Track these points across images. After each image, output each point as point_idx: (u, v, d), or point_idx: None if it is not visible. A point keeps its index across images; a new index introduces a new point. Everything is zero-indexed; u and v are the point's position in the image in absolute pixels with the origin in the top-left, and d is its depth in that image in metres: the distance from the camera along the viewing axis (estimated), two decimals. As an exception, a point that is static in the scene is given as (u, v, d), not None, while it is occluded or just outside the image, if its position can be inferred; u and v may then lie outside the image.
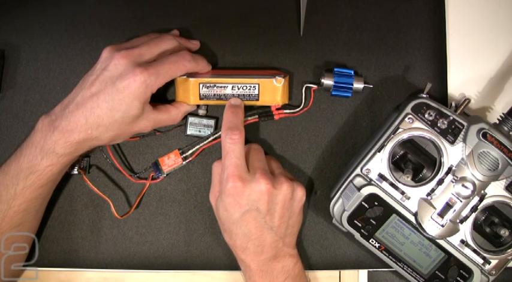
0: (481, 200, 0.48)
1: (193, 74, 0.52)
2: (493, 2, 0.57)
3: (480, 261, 0.49)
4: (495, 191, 0.48)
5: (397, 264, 0.50)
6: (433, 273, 0.49)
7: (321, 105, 0.56)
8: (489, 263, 0.48)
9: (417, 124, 0.49)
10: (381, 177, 0.49)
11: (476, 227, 0.50)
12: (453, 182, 0.48)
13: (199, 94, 0.52)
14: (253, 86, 0.51)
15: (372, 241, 0.50)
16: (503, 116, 0.49)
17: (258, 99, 0.52)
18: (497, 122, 0.49)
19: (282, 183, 0.47)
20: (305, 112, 0.55)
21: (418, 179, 0.49)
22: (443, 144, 0.48)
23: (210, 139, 0.53)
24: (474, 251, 0.48)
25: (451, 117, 0.48)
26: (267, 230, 0.47)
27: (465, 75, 0.56)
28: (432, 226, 0.47)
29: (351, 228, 0.49)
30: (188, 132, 0.54)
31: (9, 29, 0.56)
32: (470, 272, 0.49)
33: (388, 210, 0.49)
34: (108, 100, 0.46)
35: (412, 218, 0.48)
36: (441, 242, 0.49)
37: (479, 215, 0.50)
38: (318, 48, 0.56)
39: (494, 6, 0.57)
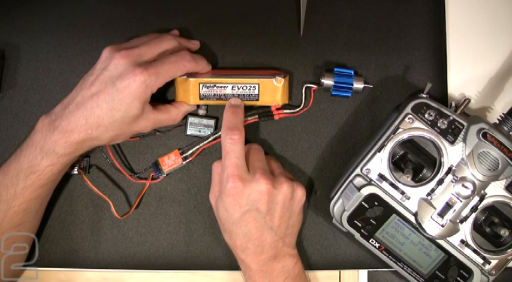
0: (481, 200, 0.48)
1: (193, 74, 0.52)
2: (493, 2, 0.57)
3: (480, 261, 0.49)
4: (495, 191, 0.48)
5: (397, 264, 0.50)
6: (433, 273, 0.49)
7: (321, 105, 0.56)
8: (489, 263, 0.48)
9: (417, 124, 0.49)
10: (381, 177, 0.49)
11: (476, 227, 0.50)
12: (453, 182, 0.48)
13: (199, 94, 0.52)
14: (253, 86, 0.51)
15: (372, 241, 0.50)
16: (503, 116, 0.49)
17: (258, 99, 0.52)
18: (497, 122, 0.49)
19: (282, 183, 0.47)
20: (305, 112, 0.55)
21: (418, 179, 0.49)
22: (443, 144, 0.48)
23: (210, 139, 0.53)
24: (474, 251, 0.48)
25: (451, 117, 0.48)
26: (267, 230, 0.47)
27: (465, 75, 0.56)
28: (432, 226, 0.47)
29: (351, 228, 0.49)
30: (188, 132, 0.54)
31: (9, 29, 0.56)
32: (470, 272, 0.49)
33: (388, 210, 0.49)
34: (108, 100, 0.46)
35: (412, 218, 0.48)
36: (441, 242, 0.49)
37: (479, 215, 0.50)
38: (318, 48, 0.56)
39: (494, 6, 0.57)
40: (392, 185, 0.49)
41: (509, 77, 0.56)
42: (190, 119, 0.54)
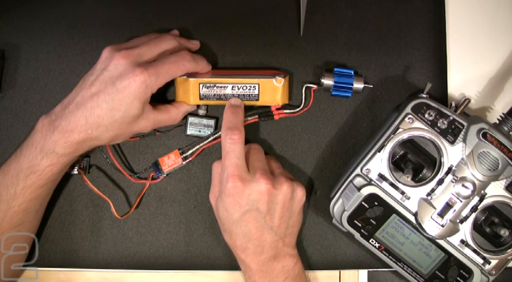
0: (481, 200, 0.48)
1: (193, 74, 0.52)
2: (493, 2, 0.57)
3: (480, 261, 0.49)
4: (495, 191, 0.48)
5: (397, 264, 0.50)
6: (433, 273, 0.49)
7: (321, 105, 0.56)
8: (489, 263, 0.48)
9: (417, 124, 0.49)
10: (381, 177, 0.49)
11: (476, 227, 0.50)
12: (453, 182, 0.48)
13: (199, 94, 0.52)
14: (253, 86, 0.51)
15: (372, 241, 0.50)
16: (503, 116, 0.49)
17: (258, 99, 0.52)
18: (497, 122, 0.49)
19: (282, 183, 0.47)
20: (305, 112, 0.55)
21: (418, 179, 0.49)
22: (443, 144, 0.48)
23: (210, 139, 0.53)
24: (474, 251, 0.48)
25: (451, 117, 0.48)
26: (267, 230, 0.47)
27: (465, 75, 0.56)
28: (432, 226, 0.47)
29: (351, 228, 0.49)
30: (188, 132, 0.54)
31: (9, 29, 0.56)
32: (470, 272, 0.49)
33: (388, 210, 0.49)
34: (108, 100, 0.46)
35: (412, 218, 0.48)
36: (441, 242, 0.49)
37: (479, 215, 0.50)
38: (318, 48, 0.56)
39: (494, 6, 0.57)
40: (392, 185, 0.49)
41: (509, 77, 0.56)
42: (190, 119, 0.54)
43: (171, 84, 0.53)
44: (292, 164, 0.55)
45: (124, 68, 0.46)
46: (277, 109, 0.54)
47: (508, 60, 0.56)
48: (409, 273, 0.50)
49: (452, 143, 0.48)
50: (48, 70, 0.56)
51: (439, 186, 0.48)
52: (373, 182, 0.49)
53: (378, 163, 0.49)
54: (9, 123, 0.55)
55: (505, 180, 0.48)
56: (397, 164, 0.50)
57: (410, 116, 0.49)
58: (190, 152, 0.54)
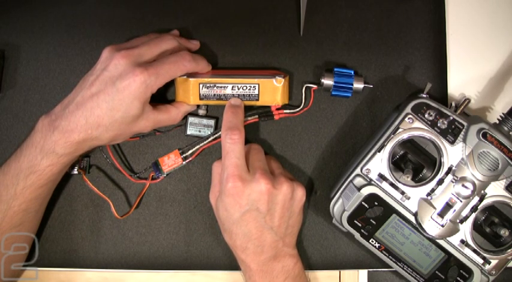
0: (481, 200, 0.48)
1: (193, 74, 0.52)
2: (493, 2, 0.57)
3: (480, 261, 0.49)
4: (495, 191, 0.48)
5: (397, 264, 0.50)
6: (433, 273, 0.49)
7: (321, 105, 0.56)
8: (489, 263, 0.48)
9: (417, 124, 0.49)
10: (381, 177, 0.49)
11: (476, 227, 0.50)
12: (453, 182, 0.48)
13: (199, 94, 0.52)
14: (253, 86, 0.51)
15: (372, 241, 0.50)
16: (503, 116, 0.49)
17: (258, 99, 0.52)
18: (497, 122, 0.49)
19: (282, 183, 0.47)
20: (305, 112, 0.55)
21: (418, 179, 0.49)
22: (443, 144, 0.48)
23: (210, 139, 0.53)
24: (474, 251, 0.48)
25: (451, 117, 0.48)
26: (267, 230, 0.47)
27: (465, 75, 0.56)
28: (432, 226, 0.47)
29: (351, 228, 0.49)
30: (188, 132, 0.54)
31: (9, 29, 0.56)
32: (470, 272, 0.49)
33: (388, 210, 0.49)
34: (108, 100, 0.46)
35: (412, 218, 0.48)
36: (441, 242, 0.49)
37: (479, 215, 0.50)
38: (318, 48, 0.56)
39: (494, 6, 0.57)
40: (392, 185, 0.49)
41: (509, 77, 0.56)
42: (190, 119, 0.54)
43: (171, 84, 0.53)
44: (292, 164, 0.55)
45: (124, 68, 0.46)
46: (277, 109, 0.54)
47: (508, 60, 0.56)
48: (409, 273, 0.50)
49: (452, 143, 0.48)
50: (48, 70, 0.56)
51: (439, 186, 0.48)
52: (373, 182, 0.49)
53: (378, 163, 0.49)
54: (9, 123, 0.55)
55: (505, 180, 0.48)
56: (397, 164, 0.50)
57: (410, 116, 0.49)
58: (190, 152, 0.54)
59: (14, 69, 0.56)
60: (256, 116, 0.54)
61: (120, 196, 0.55)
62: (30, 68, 0.56)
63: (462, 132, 0.48)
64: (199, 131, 0.54)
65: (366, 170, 0.49)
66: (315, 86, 0.54)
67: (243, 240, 0.48)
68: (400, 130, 0.49)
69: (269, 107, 0.53)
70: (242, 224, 0.47)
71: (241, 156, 0.47)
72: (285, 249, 0.49)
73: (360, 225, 0.49)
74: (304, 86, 0.54)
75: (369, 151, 0.49)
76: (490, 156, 0.47)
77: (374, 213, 0.49)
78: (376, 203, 0.48)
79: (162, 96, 0.55)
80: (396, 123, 0.49)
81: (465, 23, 0.57)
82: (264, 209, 0.47)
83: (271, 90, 0.52)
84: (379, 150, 0.49)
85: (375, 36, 0.56)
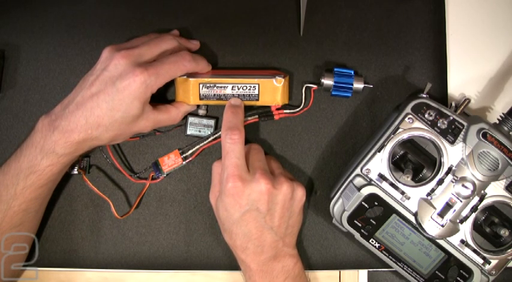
0: (481, 200, 0.48)
1: (193, 74, 0.52)
2: (493, 2, 0.57)
3: (480, 261, 0.49)
4: (495, 191, 0.48)
5: (397, 264, 0.50)
6: (433, 273, 0.49)
7: (321, 105, 0.56)
8: (489, 263, 0.48)
9: (417, 124, 0.49)
10: (381, 177, 0.49)
11: (476, 227, 0.50)
12: (453, 182, 0.48)
13: (199, 94, 0.52)
14: (253, 86, 0.51)
15: (372, 241, 0.50)
16: (503, 116, 0.49)
17: (258, 99, 0.52)
18: (497, 122, 0.49)
19: (282, 183, 0.47)
20: (305, 112, 0.55)
21: (418, 179, 0.49)
22: (443, 144, 0.48)
23: (210, 139, 0.53)
24: (474, 251, 0.48)
25: (451, 117, 0.48)
26: (267, 230, 0.47)
27: (465, 75, 0.56)
28: (432, 226, 0.47)
29: (351, 228, 0.49)
30: (188, 132, 0.54)
31: (9, 29, 0.56)
32: (470, 272, 0.49)
33: (388, 210, 0.49)
34: (108, 100, 0.46)
35: (412, 218, 0.48)
36: (441, 242, 0.49)
37: (479, 215, 0.50)
38: (318, 48, 0.56)
39: (494, 6, 0.57)
40: (392, 185, 0.49)
41: (509, 77, 0.56)
42: (190, 119, 0.54)
43: (171, 84, 0.53)
44: (292, 164, 0.55)
45: (124, 68, 0.46)
46: (277, 109, 0.54)
47: (508, 60, 0.56)
48: (409, 273, 0.50)
49: (452, 143, 0.48)
50: (48, 70, 0.56)
51: (439, 186, 0.48)
52: (373, 182, 0.49)
53: (378, 163, 0.49)
54: (9, 123, 0.55)
55: (505, 180, 0.48)
56: (397, 164, 0.50)
57: (410, 116, 0.49)
58: (190, 152, 0.54)
59: (14, 69, 0.56)
60: (256, 116, 0.54)
61: (120, 196, 0.55)
62: (30, 68, 0.56)
63: (462, 132, 0.48)
64: (199, 131, 0.54)
65: (366, 170, 0.49)
66: (315, 86, 0.54)
67: (243, 240, 0.48)
68: (400, 130, 0.49)
69: (269, 107, 0.53)
70: (242, 224, 0.47)
71: (241, 156, 0.47)
72: (285, 249, 0.49)
73: (360, 225, 0.49)
74: (304, 86, 0.54)
75: (369, 151, 0.49)
76: (490, 156, 0.47)
77: (374, 213, 0.49)
78: (376, 203, 0.48)
79: (162, 96, 0.55)
80: (396, 123, 0.49)
81: (465, 23, 0.57)
82: (264, 209, 0.47)
83: (271, 90, 0.52)
84: (379, 150, 0.49)
85: (375, 36, 0.56)
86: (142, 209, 0.55)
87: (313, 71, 0.56)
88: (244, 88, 0.51)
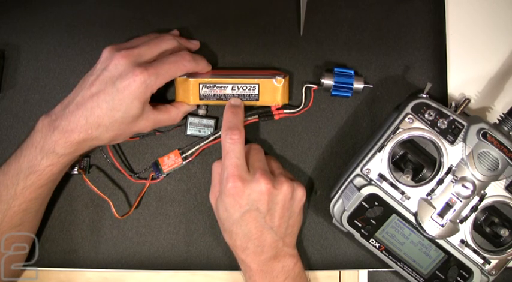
0: (481, 200, 0.48)
1: (193, 74, 0.52)
2: (493, 2, 0.57)
3: (480, 261, 0.49)
4: (495, 191, 0.48)
5: (397, 264, 0.50)
6: (433, 273, 0.49)
7: (321, 105, 0.56)
8: (489, 263, 0.48)
9: (417, 124, 0.49)
10: (381, 177, 0.49)
11: (476, 227, 0.50)
12: (453, 182, 0.48)
13: (199, 94, 0.52)
14: (253, 86, 0.51)
15: (372, 241, 0.50)
16: (503, 116, 0.49)
17: (258, 99, 0.52)
18: (497, 122, 0.49)
19: (282, 183, 0.47)
20: (305, 112, 0.55)
21: (418, 179, 0.49)
22: (443, 144, 0.48)
23: (210, 139, 0.53)
24: (474, 251, 0.48)
25: (451, 117, 0.48)
26: (267, 230, 0.47)
27: (465, 75, 0.56)
28: (432, 226, 0.47)
29: (351, 228, 0.49)
30: (188, 132, 0.54)
31: (9, 29, 0.56)
32: (470, 272, 0.49)
33: (388, 210, 0.49)
34: (108, 100, 0.46)
35: (412, 218, 0.48)
36: (441, 242, 0.49)
37: (479, 215, 0.50)
38: (318, 48, 0.56)
39: (494, 6, 0.57)
40: (392, 185, 0.49)
41: (509, 77, 0.56)
42: (190, 119, 0.54)
43: (171, 84, 0.53)
44: (292, 164, 0.55)
45: (124, 68, 0.46)
46: (277, 109, 0.54)
47: (508, 60, 0.56)
48: (409, 273, 0.50)
49: (452, 143, 0.48)
50: (48, 70, 0.56)
51: (439, 186, 0.48)
52: (373, 182, 0.49)
53: (378, 163, 0.49)
54: (9, 123, 0.55)
55: (505, 180, 0.48)
56: (397, 164, 0.50)
57: (410, 116, 0.49)
58: (190, 152, 0.54)
59: (14, 69, 0.56)
60: (256, 116, 0.54)
61: (120, 196, 0.55)
62: (30, 68, 0.56)
63: (462, 132, 0.48)
64: (199, 131, 0.54)
65: (366, 170, 0.49)
66: (315, 86, 0.54)
67: (243, 240, 0.48)
68: (400, 130, 0.49)
69: (269, 107, 0.53)
70: (242, 224, 0.47)
71: (241, 156, 0.47)
72: (285, 249, 0.49)
73: (360, 225, 0.49)
74: (304, 86, 0.54)
75: (369, 151, 0.49)
76: (490, 156, 0.47)
77: (374, 213, 0.49)
78: (376, 203, 0.48)
79: (162, 96, 0.55)
80: (396, 123, 0.49)
81: (465, 23, 0.57)
82: (264, 209, 0.47)
83: (271, 90, 0.52)
84: (379, 150, 0.49)
85: (375, 36, 0.56)
86: (142, 209, 0.55)
87: (313, 71, 0.56)
88: (244, 88, 0.51)
